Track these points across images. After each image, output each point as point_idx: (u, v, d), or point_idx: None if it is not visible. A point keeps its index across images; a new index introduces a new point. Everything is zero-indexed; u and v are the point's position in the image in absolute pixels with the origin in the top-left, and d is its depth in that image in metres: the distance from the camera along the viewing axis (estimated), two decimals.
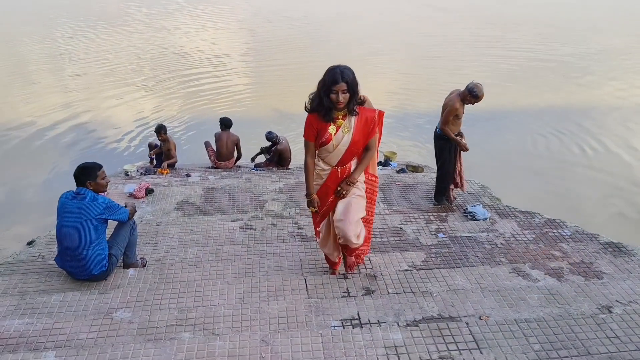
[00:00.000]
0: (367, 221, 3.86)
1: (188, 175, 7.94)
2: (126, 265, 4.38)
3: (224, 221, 5.73)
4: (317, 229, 3.87)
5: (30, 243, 5.25)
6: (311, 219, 3.96)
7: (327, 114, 3.32)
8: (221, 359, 2.86)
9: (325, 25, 23.36)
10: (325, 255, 4.10)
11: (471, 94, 5.46)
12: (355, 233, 3.60)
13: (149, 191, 6.76)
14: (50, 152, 9.87)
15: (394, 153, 8.94)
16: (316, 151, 3.53)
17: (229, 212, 6.18)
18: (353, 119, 3.38)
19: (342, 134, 3.38)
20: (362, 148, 3.51)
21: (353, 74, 3.22)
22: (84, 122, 11.45)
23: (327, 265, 4.20)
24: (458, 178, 6.11)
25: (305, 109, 3.43)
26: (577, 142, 10.28)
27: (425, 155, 9.43)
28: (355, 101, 3.33)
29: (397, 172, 8.01)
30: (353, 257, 4.07)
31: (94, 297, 3.76)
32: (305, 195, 3.67)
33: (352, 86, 3.20)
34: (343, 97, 3.20)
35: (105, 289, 3.98)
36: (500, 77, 14.91)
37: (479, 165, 8.37)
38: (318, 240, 3.93)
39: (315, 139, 3.44)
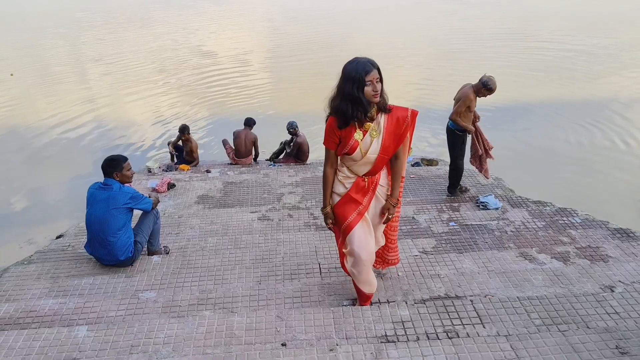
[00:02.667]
0: (392, 228, 3.47)
1: (208, 171, 8.20)
2: (150, 253, 4.63)
3: (243, 213, 5.95)
4: (343, 250, 3.26)
5: (59, 237, 5.54)
6: None
7: (357, 114, 2.80)
8: (239, 332, 3.07)
9: (348, 22, 23.43)
10: (355, 282, 3.34)
11: (485, 87, 5.60)
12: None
13: (171, 186, 7.02)
14: (74, 152, 10.21)
15: (410, 148, 9.08)
16: (338, 158, 3.09)
17: (248, 204, 6.40)
18: (383, 120, 2.90)
19: (370, 139, 2.89)
20: (392, 155, 3.03)
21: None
22: (109, 121, 11.79)
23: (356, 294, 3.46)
24: (484, 158, 6.23)
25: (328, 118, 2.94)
26: (604, 133, 10.26)
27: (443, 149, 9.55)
28: (384, 95, 2.86)
29: (412, 165, 8.15)
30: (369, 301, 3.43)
31: (121, 280, 4.03)
32: (321, 209, 3.28)
33: (381, 75, 2.78)
34: (379, 88, 2.75)
35: (131, 273, 4.23)
36: (523, 70, 14.91)
37: (496, 157, 8.50)
38: (345, 262, 3.31)
39: (336, 147, 2.97)
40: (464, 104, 5.74)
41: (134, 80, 14.99)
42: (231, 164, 9.00)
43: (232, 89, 14.19)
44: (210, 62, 17.05)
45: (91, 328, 3.16)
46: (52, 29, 22.61)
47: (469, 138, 6.15)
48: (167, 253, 4.74)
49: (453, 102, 6.11)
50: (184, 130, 8.69)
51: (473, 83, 5.78)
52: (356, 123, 2.86)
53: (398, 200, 3.22)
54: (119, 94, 13.79)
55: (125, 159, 4.39)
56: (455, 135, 6.05)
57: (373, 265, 3.48)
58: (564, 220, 5.22)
